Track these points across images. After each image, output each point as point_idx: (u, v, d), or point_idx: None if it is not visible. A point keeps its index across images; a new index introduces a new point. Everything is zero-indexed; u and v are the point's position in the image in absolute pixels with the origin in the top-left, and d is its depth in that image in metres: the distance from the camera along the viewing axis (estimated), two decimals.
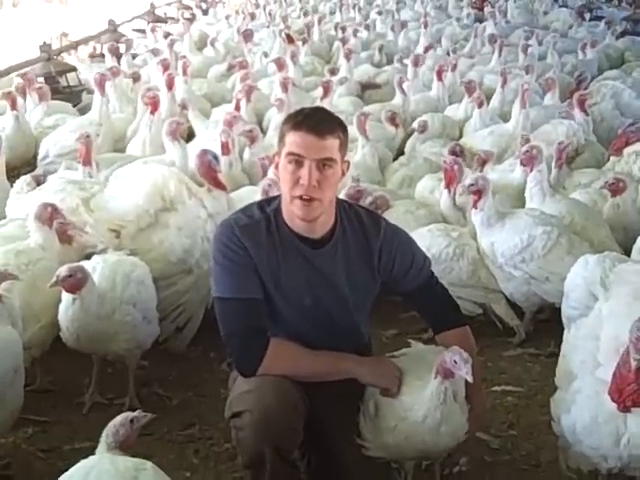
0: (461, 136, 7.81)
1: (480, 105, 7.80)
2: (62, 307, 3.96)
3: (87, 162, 5.58)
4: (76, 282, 3.88)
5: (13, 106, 7.25)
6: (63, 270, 3.87)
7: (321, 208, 2.97)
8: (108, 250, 4.48)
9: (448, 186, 5.40)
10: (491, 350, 4.84)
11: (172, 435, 4.04)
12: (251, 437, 2.92)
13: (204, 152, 4.78)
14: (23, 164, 7.27)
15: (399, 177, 6.33)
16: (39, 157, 7.18)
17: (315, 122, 2.93)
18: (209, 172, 4.72)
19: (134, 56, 11.57)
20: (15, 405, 3.49)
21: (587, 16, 16.60)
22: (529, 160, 5.34)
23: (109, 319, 4.01)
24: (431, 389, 3.01)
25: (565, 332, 3.47)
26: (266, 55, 11.38)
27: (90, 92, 9.27)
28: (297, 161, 2.92)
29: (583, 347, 3.22)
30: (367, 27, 14.10)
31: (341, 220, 3.12)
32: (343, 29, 13.94)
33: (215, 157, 4.77)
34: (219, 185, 4.74)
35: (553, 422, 3.25)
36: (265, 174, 5.58)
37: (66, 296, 3.93)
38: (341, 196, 4.68)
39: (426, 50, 11.43)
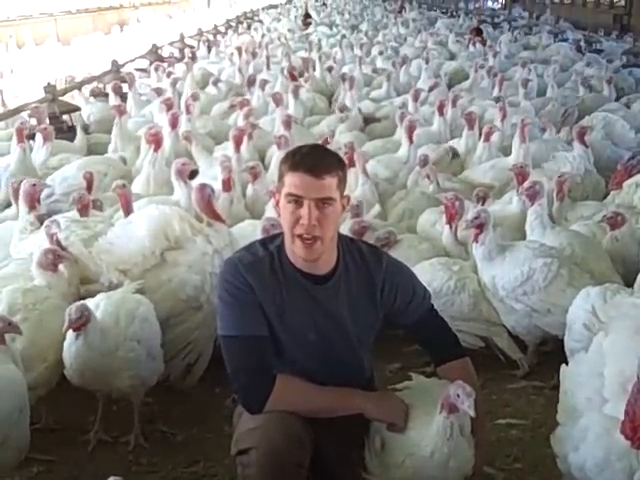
0: (462, 170, 7.83)
1: (487, 138, 7.84)
2: (66, 344, 3.98)
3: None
4: (82, 321, 3.91)
5: (21, 139, 7.22)
6: (73, 312, 3.89)
7: (322, 247, 3.00)
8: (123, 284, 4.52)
9: (449, 222, 5.42)
10: (495, 383, 4.84)
11: (177, 472, 4.04)
12: (258, 474, 2.91)
13: (203, 186, 4.83)
14: None
15: (399, 210, 6.36)
16: (43, 195, 7.18)
17: (312, 162, 2.96)
18: (209, 206, 4.78)
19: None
20: (21, 444, 3.49)
21: (585, 50, 16.76)
22: (533, 195, 5.38)
23: (112, 355, 4.02)
24: (437, 424, 3.01)
25: (563, 368, 3.44)
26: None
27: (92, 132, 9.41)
28: (296, 201, 2.95)
29: (587, 384, 3.19)
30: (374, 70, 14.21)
31: (343, 255, 3.15)
32: (330, 69, 13.91)
33: (212, 191, 4.83)
34: (218, 218, 4.79)
35: (558, 459, 3.23)
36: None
37: (70, 333, 3.95)
38: (345, 231, 4.72)
39: (431, 89, 11.52)
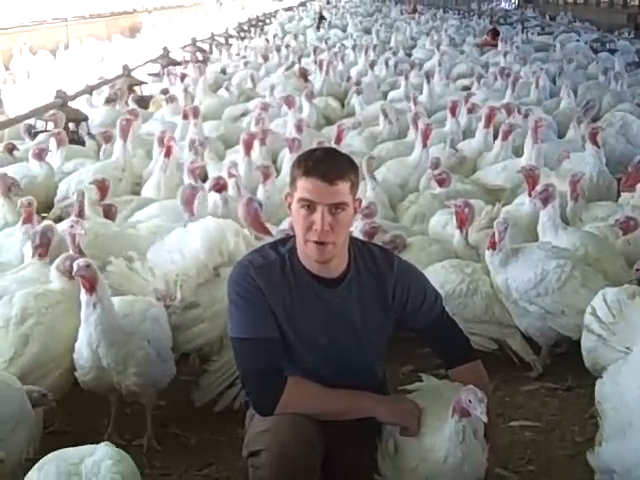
0: (474, 171, 7.80)
1: (505, 137, 7.79)
2: (83, 317, 3.96)
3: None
4: (91, 276, 3.92)
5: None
6: (81, 261, 3.95)
7: (335, 250, 3.00)
8: (172, 300, 4.49)
9: (460, 227, 5.39)
10: (508, 385, 4.82)
11: (190, 475, 4.05)
12: (269, 476, 2.91)
13: (249, 200, 4.89)
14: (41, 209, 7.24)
15: (411, 214, 6.35)
16: (57, 198, 7.18)
17: (325, 168, 2.94)
18: (256, 219, 4.84)
19: (149, 98, 11.81)
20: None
21: (599, 49, 16.78)
22: (546, 198, 5.36)
23: (128, 335, 4.04)
24: (449, 429, 2.98)
25: (599, 383, 3.40)
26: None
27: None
28: (309, 206, 2.95)
29: None
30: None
31: (355, 258, 3.14)
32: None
33: (260, 204, 4.90)
34: (266, 232, 4.83)
35: (616, 475, 3.12)
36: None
37: (86, 306, 3.94)
38: (356, 232, 4.72)
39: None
